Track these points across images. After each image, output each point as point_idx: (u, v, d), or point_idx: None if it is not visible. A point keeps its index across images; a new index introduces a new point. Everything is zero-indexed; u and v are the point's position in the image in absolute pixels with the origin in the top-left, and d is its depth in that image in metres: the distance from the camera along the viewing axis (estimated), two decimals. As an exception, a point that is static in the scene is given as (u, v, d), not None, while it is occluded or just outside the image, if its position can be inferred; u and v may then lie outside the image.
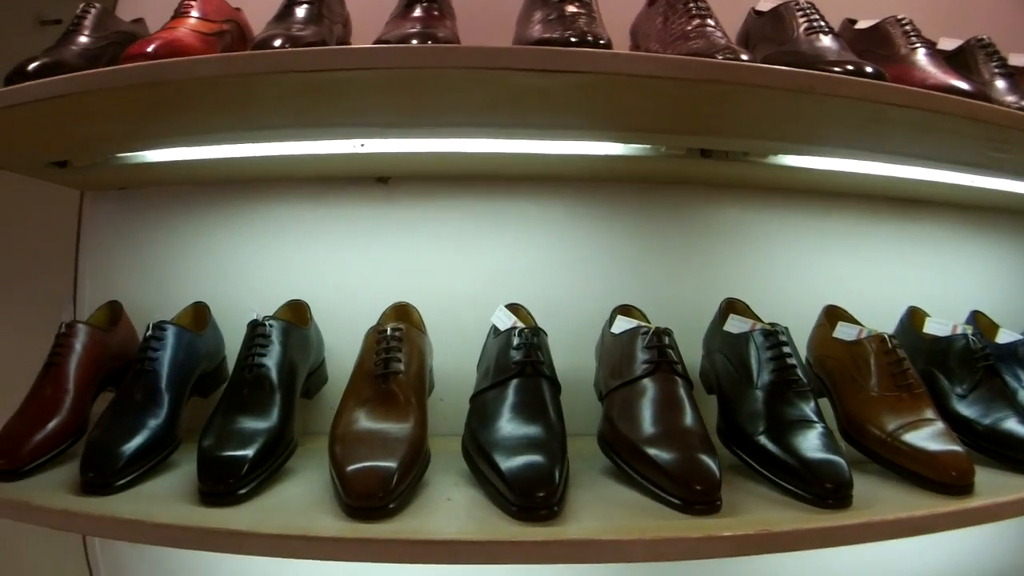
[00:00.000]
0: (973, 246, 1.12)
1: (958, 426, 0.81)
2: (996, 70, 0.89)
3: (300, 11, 0.80)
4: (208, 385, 0.85)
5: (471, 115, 0.73)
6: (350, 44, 0.89)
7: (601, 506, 0.66)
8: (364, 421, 0.70)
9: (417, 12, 0.80)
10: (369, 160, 0.86)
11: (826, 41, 0.81)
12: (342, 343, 0.81)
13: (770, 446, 0.71)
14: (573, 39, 0.69)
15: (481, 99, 0.70)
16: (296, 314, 0.86)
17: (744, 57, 0.70)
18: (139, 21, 0.96)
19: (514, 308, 0.84)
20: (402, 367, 0.73)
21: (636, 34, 0.88)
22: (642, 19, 0.87)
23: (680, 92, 0.69)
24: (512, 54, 0.65)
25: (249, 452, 0.68)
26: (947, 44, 0.93)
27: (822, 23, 0.82)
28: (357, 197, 0.93)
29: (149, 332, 0.80)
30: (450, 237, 0.94)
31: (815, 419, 0.73)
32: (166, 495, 0.68)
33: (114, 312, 0.91)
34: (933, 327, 0.86)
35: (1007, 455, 0.78)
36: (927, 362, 0.86)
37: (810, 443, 0.70)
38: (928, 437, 0.73)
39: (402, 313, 0.84)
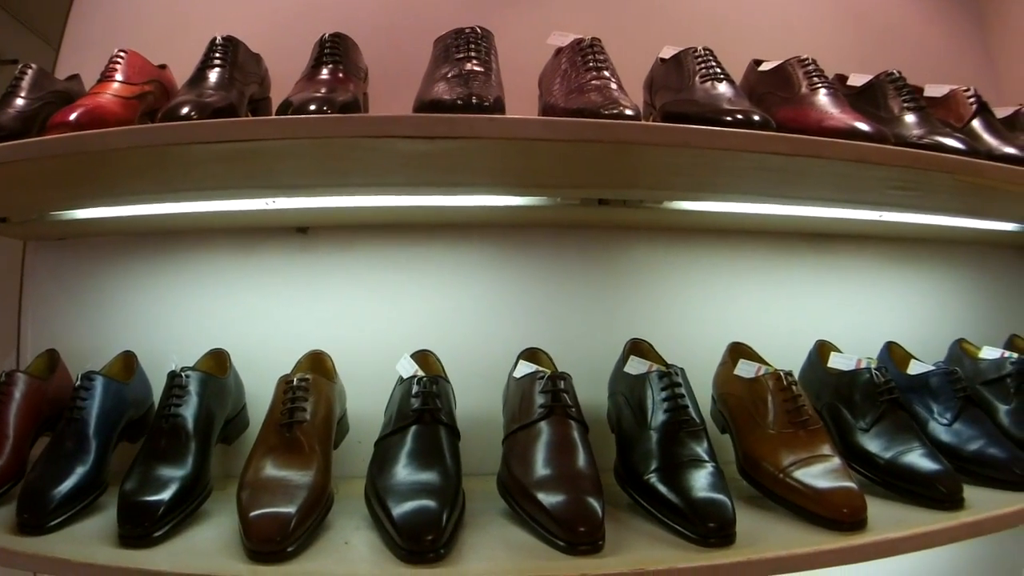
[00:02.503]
0: (890, 277, 1.18)
1: (861, 460, 0.88)
2: (906, 104, 0.95)
3: (212, 76, 0.89)
4: (136, 431, 0.94)
5: (368, 176, 0.82)
6: (269, 99, 0.98)
7: (490, 548, 0.74)
8: (269, 468, 0.79)
9: (323, 74, 0.89)
10: (288, 211, 0.95)
11: (721, 88, 0.88)
12: (264, 390, 0.89)
13: (658, 486, 0.78)
14: (459, 102, 0.77)
15: (374, 163, 0.79)
16: (217, 362, 0.95)
17: (628, 113, 0.78)
18: (74, 78, 1.06)
19: (423, 355, 0.93)
20: (307, 416, 0.81)
21: (541, 84, 0.96)
22: (547, 70, 0.95)
23: (562, 151, 0.77)
24: (395, 123, 0.73)
25: (164, 497, 0.76)
26: (857, 80, 0.99)
27: (718, 70, 0.90)
28: (278, 247, 1.03)
29: (78, 382, 0.90)
30: (368, 284, 1.03)
31: (706, 459, 0.80)
32: (92, 536, 0.77)
33: (52, 360, 1.00)
34: (837, 361, 0.93)
35: (906, 488, 0.84)
36: (832, 396, 0.92)
37: (697, 483, 0.77)
38: (820, 474, 0.80)
39: (316, 361, 0.93)
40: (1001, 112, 1.06)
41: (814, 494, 0.78)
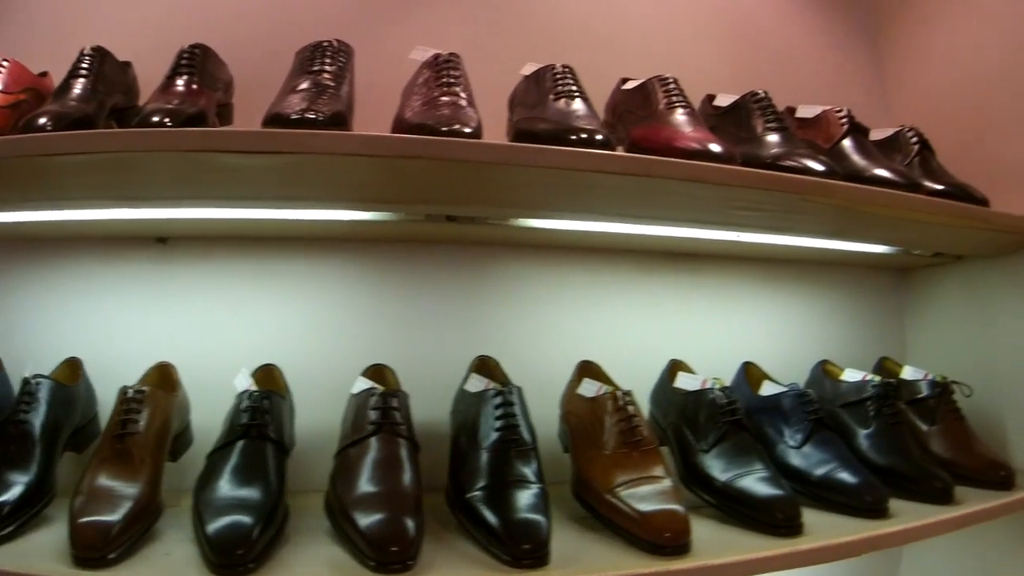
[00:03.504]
0: (758, 298, 1.15)
1: (700, 482, 0.85)
2: (769, 124, 0.92)
3: (76, 86, 0.88)
4: (-6, 437, 0.93)
5: (201, 189, 0.80)
6: (136, 108, 0.96)
7: (303, 565, 0.71)
8: (101, 477, 0.77)
9: (177, 85, 0.87)
10: (148, 221, 0.93)
11: (574, 106, 0.86)
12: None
13: (478, 506, 0.75)
14: (294, 116, 0.76)
15: (206, 176, 0.77)
16: (71, 371, 0.94)
17: (466, 130, 0.76)
18: (-32, 89, 1.05)
19: (268, 369, 0.91)
20: (140, 428, 0.80)
21: (402, 98, 0.94)
22: (408, 84, 0.93)
23: (388, 167, 0.75)
24: (213, 137, 0.72)
25: (6, 500, 0.76)
26: (724, 100, 0.96)
27: (573, 88, 0.87)
28: (138, 256, 1.00)
29: (-64, 389, 0.89)
30: (223, 296, 1.01)
31: (532, 479, 0.77)
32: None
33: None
34: (683, 382, 0.90)
35: (742, 512, 0.81)
36: (677, 416, 0.90)
37: (517, 504, 0.74)
38: (647, 495, 0.77)
39: (162, 373, 0.91)
40: (881, 133, 1.03)
41: (638, 516, 0.75)
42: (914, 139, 1.03)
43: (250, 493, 0.74)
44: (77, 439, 0.89)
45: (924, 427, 1.00)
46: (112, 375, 0.90)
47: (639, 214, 0.89)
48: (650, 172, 0.76)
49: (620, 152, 0.78)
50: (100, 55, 0.92)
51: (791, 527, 0.79)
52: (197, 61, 0.89)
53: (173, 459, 0.87)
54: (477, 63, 0.97)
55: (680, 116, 0.87)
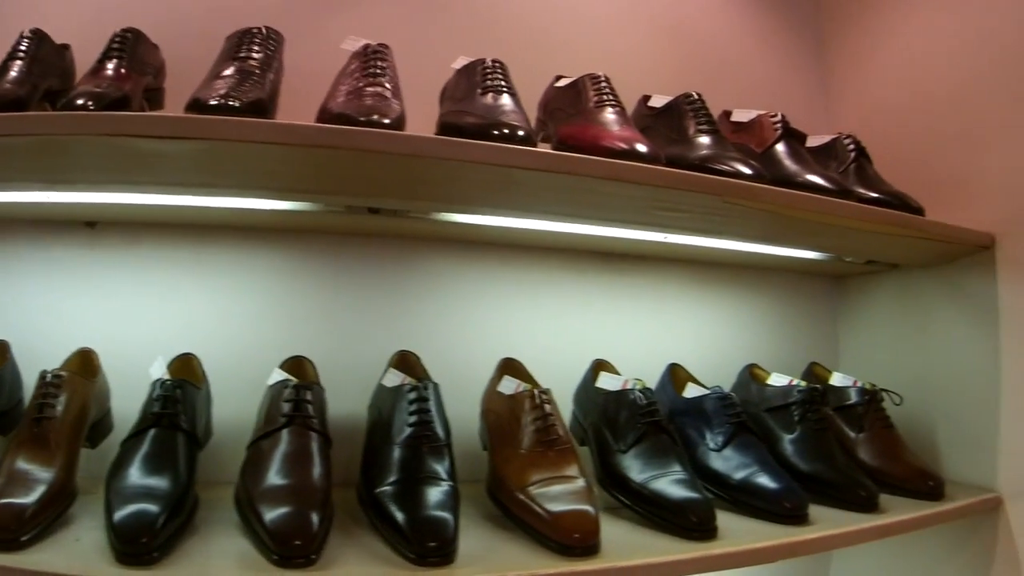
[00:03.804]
0: (691, 300, 1.14)
1: (617, 483, 0.84)
2: (700, 127, 0.91)
3: (12, 68, 0.86)
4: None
5: (124, 174, 0.79)
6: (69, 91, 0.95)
7: (207, 556, 0.70)
8: (18, 460, 0.76)
9: (107, 69, 0.85)
10: (77, 205, 0.92)
11: (502, 100, 0.85)
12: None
13: (387, 501, 0.74)
14: (212, 102, 0.75)
15: (125, 162, 0.76)
16: (-1, 353, 0.93)
17: (385, 122, 0.75)
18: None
19: (187, 358, 0.90)
20: (57, 412, 0.79)
21: (331, 87, 0.93)
22: (339, 73, 0.91)
23: (301, 156, 0.73)
24: (127, 121, 0.71)
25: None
26: (658, 101, 0.95)
27: (502, 83, 0.86)
28: (66, 240, 0.98)
29: None
30: (149, 282, 1.00)
31: (443, 477, 0.77)
32: None
33: None
34: (605, 382, 0.89)
35: (656, 515, 0.80)
36: (598, 417, 0.89)
37: (426, 500, 0.73)
38: (558, 495, 0.76)
39: (83, 358, 0.90)
40: (818, 140, 1.02)
41: (548, 516, 0.74)
42: (851, 147, 1.02)
43: (158, 482, 0.74)
44: (3, 422, 0.88)
45: (852, 434, 1.00)
46: (40, 359, 0.89)
47: (565, 212, 0.88)
48: (571, 170, 0.75)
49: (542, 149, 0.77)
50: (38, 38, 0.91)
51: (704, 531, 0.79)
52: (128, 45, 0.88)
53: (92, 446, 0.86)
54: (418, 56, 0.96)
55: (609, 115, 0.86)
